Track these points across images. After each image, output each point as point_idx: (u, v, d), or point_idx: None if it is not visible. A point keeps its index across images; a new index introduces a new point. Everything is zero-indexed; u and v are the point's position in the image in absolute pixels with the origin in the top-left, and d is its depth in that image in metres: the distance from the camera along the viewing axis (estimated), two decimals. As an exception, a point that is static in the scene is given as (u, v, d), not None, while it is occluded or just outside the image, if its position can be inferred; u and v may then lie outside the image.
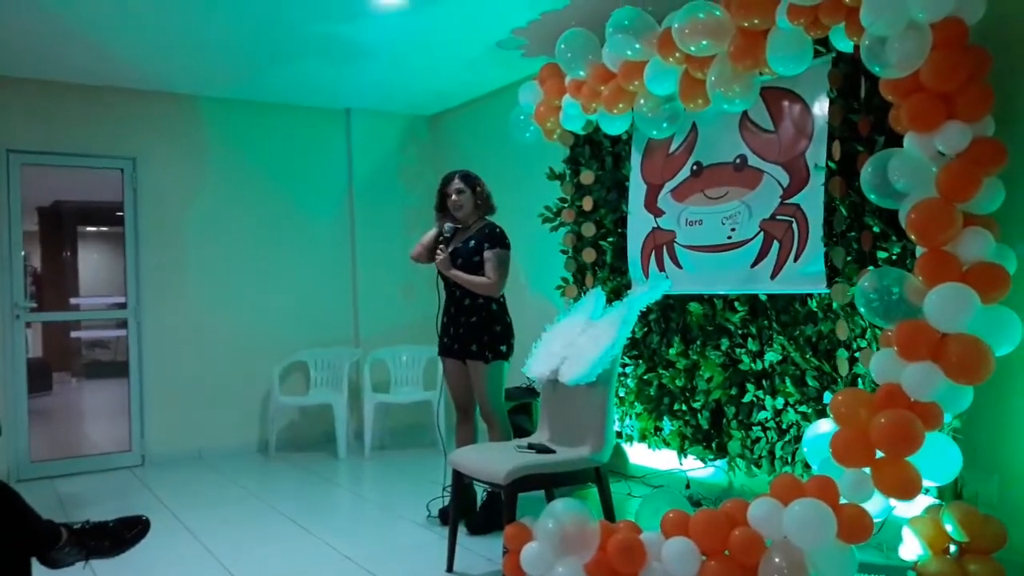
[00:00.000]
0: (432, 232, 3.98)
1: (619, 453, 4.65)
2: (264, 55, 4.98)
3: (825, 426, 3.01)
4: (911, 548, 2.93)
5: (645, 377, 4.25)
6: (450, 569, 3.32)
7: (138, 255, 5.67)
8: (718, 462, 3.97)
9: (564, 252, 4.73)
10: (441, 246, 3.89)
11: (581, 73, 3.89)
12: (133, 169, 5.66)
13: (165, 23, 4.34)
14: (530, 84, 4.34)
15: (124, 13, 4.17)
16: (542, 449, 3.26)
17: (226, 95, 5.87)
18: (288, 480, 5.12)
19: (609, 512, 3.26)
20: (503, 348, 3.86)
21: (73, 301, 10.91)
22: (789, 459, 3.52)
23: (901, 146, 2.82)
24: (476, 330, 3.84)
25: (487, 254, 3.81)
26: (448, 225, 3.92)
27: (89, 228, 11.48)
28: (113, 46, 4.72)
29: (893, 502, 2.73)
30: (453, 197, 3.92)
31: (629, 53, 3.53)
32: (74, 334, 11.34)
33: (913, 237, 2.73)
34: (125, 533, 2.68)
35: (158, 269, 5.71)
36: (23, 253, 5.38)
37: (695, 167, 3.95)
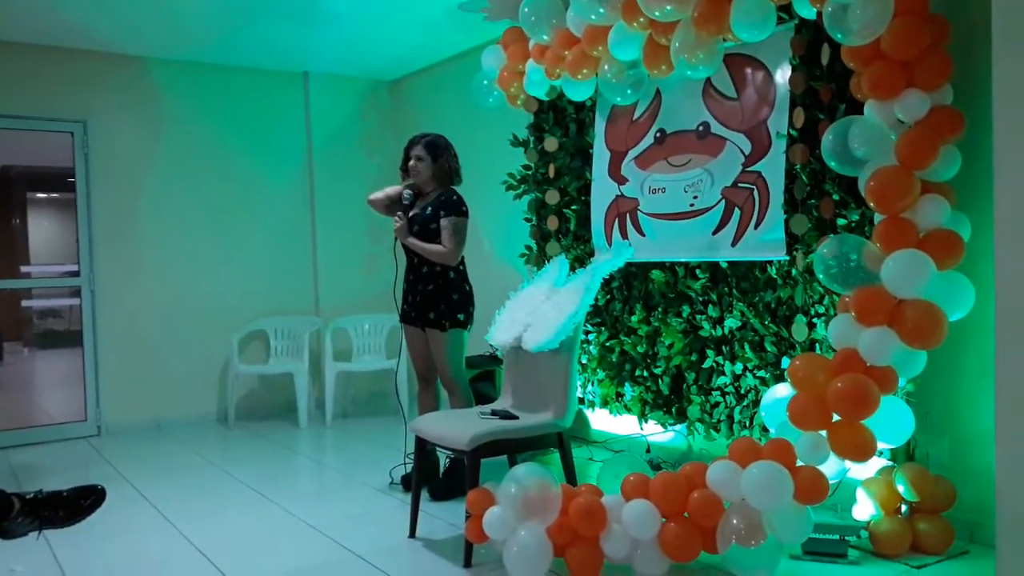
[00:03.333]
0: (397, 188, 3.93)
1: (581, 419, 4.69)
2: (220, 16, 4.83)
3: (783, 390, 3.06)
4: (864, 508, 3.01)
5: (607, 344, 4.27)
6: (413, 535, 3.32)
7: (91, 222, 5.52)
8: (678, 427, 4.02)
9: (528, 220, 4.71)
10: (399, 213, 3.85)
11: (545, 37, 3.85)
12: (84, 132, 5.49)
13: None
14: (493, 48, 4.29)
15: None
16: (505, 415, 3.27)
17: (180, 57, 5.70)
18: (248, 449, 5.08)
19: (571, 476, 3.29)
20: (461, 316, 3.84)
21: (24, 269, 10.62)
22: (747, 423, 3.58)
23: (862, 114, 2.84)
24: (433, 298, 3.82)
25: (443, 222, 3.77)
26: (407, 193, 3.87)
27: (39, 194, 11.15)
28: (60, 4, 4.53)
29: (848, 464, 2.80)
30: (411, 162, 3.88)
31: (593, 17, 3.50)
32: (25, 303, 11.06)
33: (872, 204, 2.77)
34: (80, 502, 2.64)
35: (112, 236, 5.57)
36: (-31, 219, 5.21)
37: (659, 134, 3.95)
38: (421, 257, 3.82)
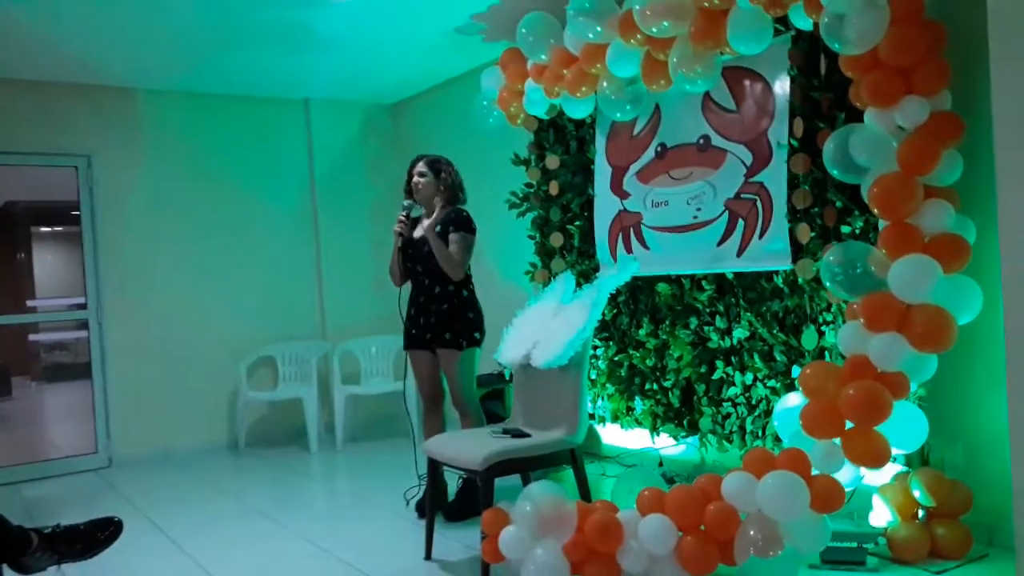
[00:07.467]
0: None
1: (592, 434, 4.68)
2: (219, 45, 4.88)
3: (794, 399, 3.06)
4: (881, 515, 3.01)
5: (616, 358, 4.28)
6: (428, 557, 3.31)
7: (96, 254, 5.55)
8: (690, 439, 4.02)
9: (531, 237, 4.73)
10: (402, 224, 3.86)
11: (543, 57, 3.89)
12: (88, 166, 5.53)
13: (116, 14, 4.23)
14: (492, 69, 4.33)
15: (73, 4, 4.06)
16: (517, 433, 3.27)
17: (182, 88, 5.75)
18: (260, 476, 5.07)
19: (585, 493, 3.28)
20: (476, 335, 3.84)
21: (30, 303, 10.66)
22: (760, 433, 3.57)
23: (862, 122, 2.86)
24: (448, 318, 3.81)
25: (452, 236, 3.78)
26: (406, 202, 3.90)
27: (44, 228, 11.22)
28: (62, 40, 4.58)
29: (863, 471, 2.79)
30: (415, 179, 3.91)
31: (591, 36, 3.53)
32: (32, 337, 11.09)
33: (876, 211, 2.78)
34: (97, 535, 2.64)
35: (118, 268, 5.60)
36: (-24, 255, 5.24)
37: (659, 148, 3.97)
38: (431, 277, 3.82)
